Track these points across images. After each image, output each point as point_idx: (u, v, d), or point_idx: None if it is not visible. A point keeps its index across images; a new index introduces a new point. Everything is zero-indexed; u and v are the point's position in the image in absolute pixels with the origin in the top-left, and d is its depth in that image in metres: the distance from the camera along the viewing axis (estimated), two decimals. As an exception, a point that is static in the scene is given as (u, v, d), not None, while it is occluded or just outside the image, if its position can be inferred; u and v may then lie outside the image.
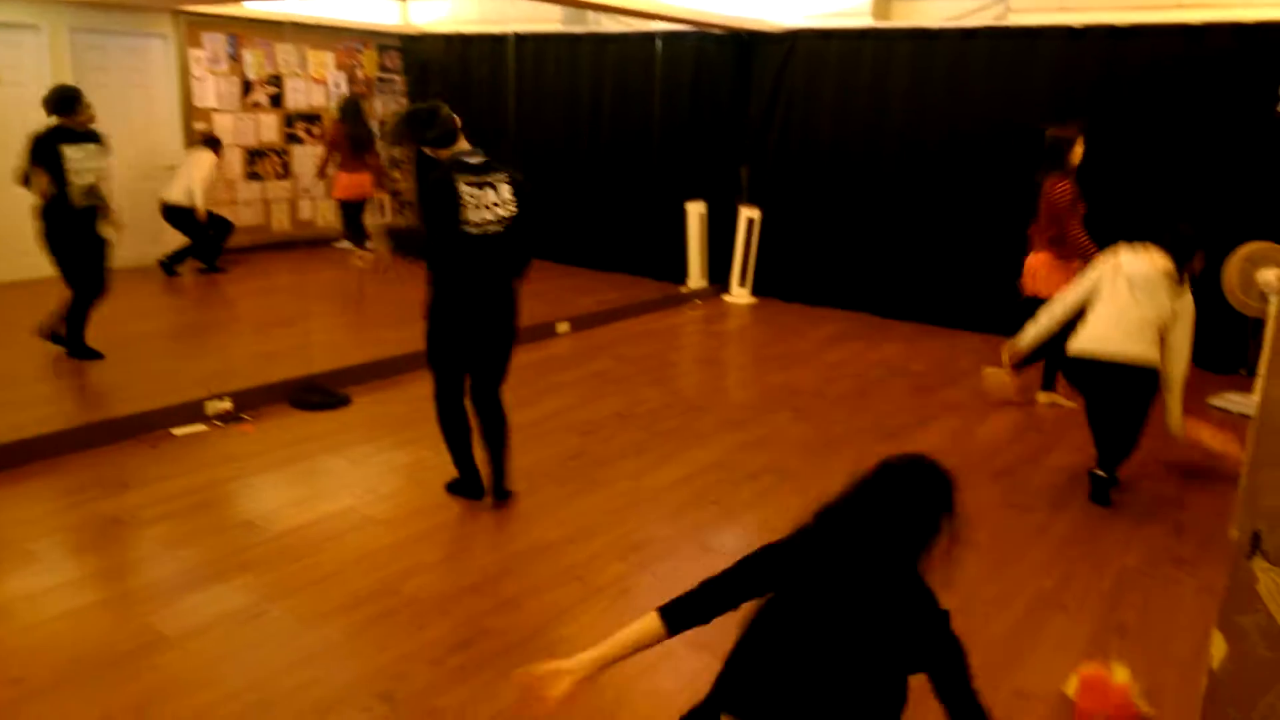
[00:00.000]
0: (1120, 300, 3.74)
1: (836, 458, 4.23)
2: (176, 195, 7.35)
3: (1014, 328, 6.53)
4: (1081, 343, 3.82)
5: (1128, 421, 3.80)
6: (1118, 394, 3.75)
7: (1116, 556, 3.37)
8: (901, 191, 6.99)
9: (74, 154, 4.91)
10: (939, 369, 5.82)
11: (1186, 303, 3.72)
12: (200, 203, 7.31)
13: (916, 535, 1.59)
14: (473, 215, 3.29)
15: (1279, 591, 1.08)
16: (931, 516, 1.60)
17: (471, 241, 3.30)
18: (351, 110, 8.18)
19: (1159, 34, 5.89)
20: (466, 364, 3.53)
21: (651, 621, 1.69)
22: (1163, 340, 3.70)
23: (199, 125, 8.10)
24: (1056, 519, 3.67)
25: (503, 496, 3.68)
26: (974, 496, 3.85)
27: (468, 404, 3.58)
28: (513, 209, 3.41)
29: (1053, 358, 5.04)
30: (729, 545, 3.42)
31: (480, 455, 3.64)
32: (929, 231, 6.89)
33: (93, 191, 5.00)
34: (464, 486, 3.70)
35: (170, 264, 7.52)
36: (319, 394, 4.75)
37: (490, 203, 3.34)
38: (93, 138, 5.08)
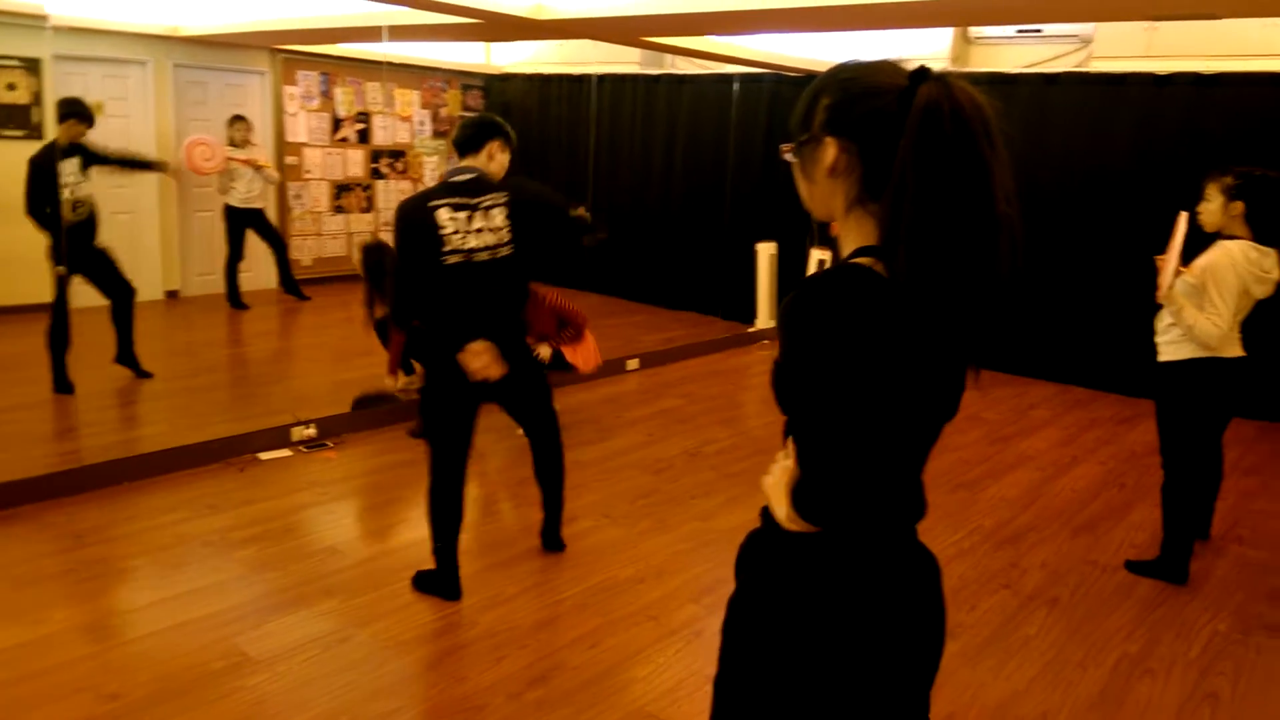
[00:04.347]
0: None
1: (911, 506, 4.17)
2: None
3: (1089, 377, 6.44)
4: (1234, 343, 3.41)
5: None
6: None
7: (1205, 622, 3.26)
8: (978, 237, 6.92)
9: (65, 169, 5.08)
10: (1014, 419, 5.72)
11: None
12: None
13: None
14: (455, 242, 2.97)
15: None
16: None
17: (452, 272, 2.98)
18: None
19: (1246, 82, 5.79)
20: (471, 417, 3.17)
21: None
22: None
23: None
24: (1140, 579, 3.57)
25: (557, 547, 3.58)
26: (1055, 552, 3.79)
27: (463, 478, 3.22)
28: (506, 236, 3.06)
29: None
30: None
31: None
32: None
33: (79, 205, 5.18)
34: (438, 582, 3.20)
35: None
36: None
37: (477, 229, 3.00)
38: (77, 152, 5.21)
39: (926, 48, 7.25)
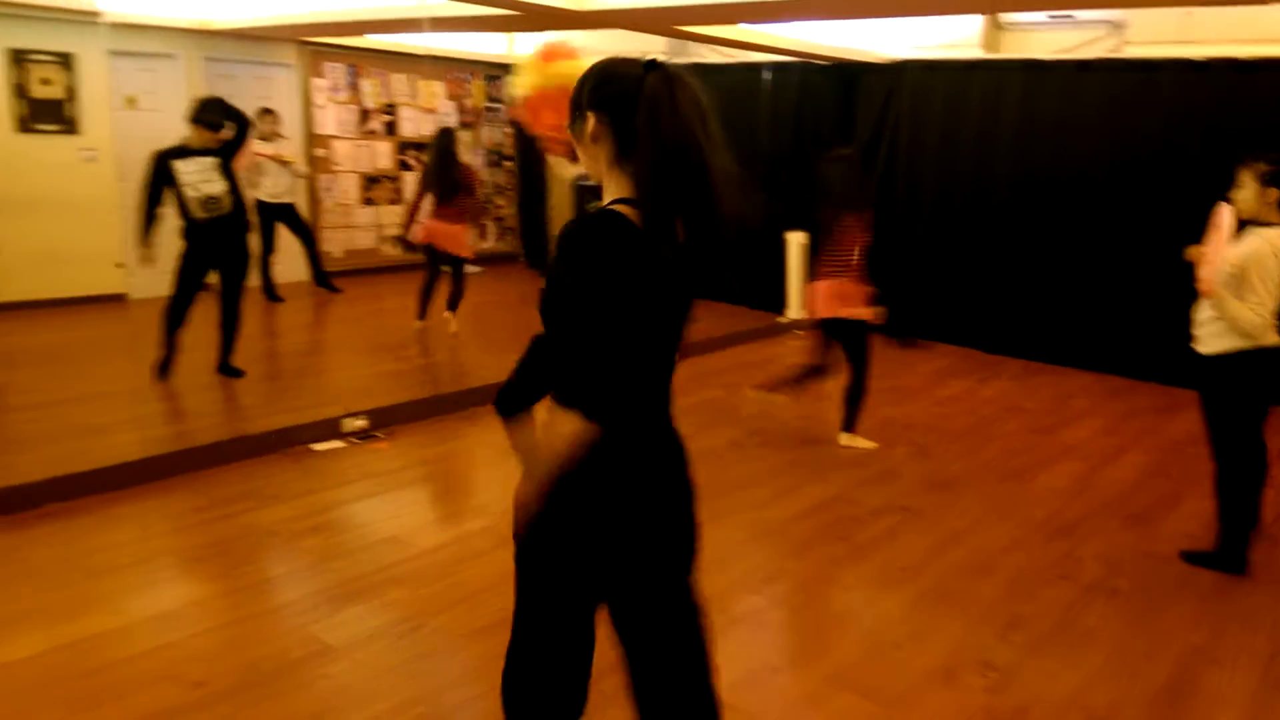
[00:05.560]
0: None
1: (960, 498, 4.19)
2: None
3: (1126, 366, 6.44)
4: (1273, 331, 3.34)
5: None
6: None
7: (1268, 611, 3.28)
8: (1010, 225, 6.92)
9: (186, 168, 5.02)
10: (1054, 408, 5.73)
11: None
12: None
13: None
14: None
15: None
16: None
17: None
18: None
19: (1287, 69, 5.76)
20: None
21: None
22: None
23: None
24: (1199, 570, 3.58)
25: None
26: (1109, 543, 3.81)
27: None
28: None
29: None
30: (863, 584, 3.43)
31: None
32: (1038, 266, 6.80)
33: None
34: None
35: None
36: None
37: None
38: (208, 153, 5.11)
39: (957, 34, 7.24)
